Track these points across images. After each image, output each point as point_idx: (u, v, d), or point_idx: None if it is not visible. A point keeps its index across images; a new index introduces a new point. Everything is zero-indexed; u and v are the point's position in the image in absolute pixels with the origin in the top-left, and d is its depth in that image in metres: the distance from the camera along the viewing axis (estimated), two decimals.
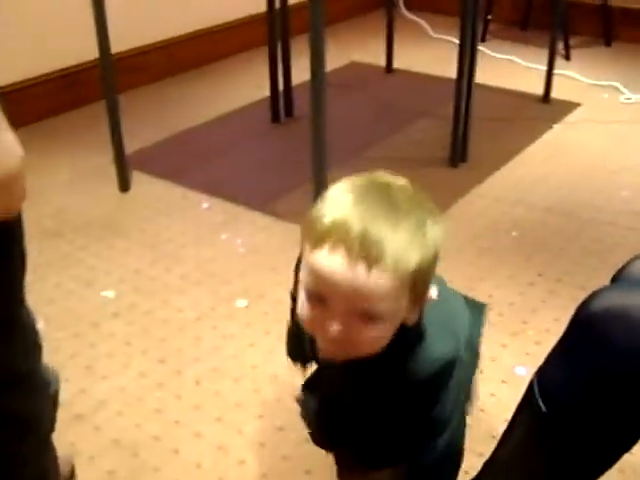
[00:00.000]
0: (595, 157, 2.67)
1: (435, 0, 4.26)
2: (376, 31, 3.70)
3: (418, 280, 0.93)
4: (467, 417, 1.24)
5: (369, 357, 0.98)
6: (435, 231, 0.93)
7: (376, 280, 0.89)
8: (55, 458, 1.12)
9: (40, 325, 1.03)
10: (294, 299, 1.31)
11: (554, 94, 3.11)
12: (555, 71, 3.09)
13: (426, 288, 0.97)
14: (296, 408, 1.26)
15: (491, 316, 1.82)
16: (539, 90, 3.12)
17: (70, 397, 1.58)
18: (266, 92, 2.98)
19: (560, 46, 3.42)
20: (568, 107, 3.08)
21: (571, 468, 0.99)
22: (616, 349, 0.88)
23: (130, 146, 2.56)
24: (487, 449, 1.20)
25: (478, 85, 2.60)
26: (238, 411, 1.58)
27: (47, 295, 1.93)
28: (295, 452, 1.48)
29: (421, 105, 3.15)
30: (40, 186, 2.41)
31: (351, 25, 4.21)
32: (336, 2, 3.74)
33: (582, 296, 1.00)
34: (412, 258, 0.90)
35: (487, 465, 1.19)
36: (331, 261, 0.90)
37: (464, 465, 1.40)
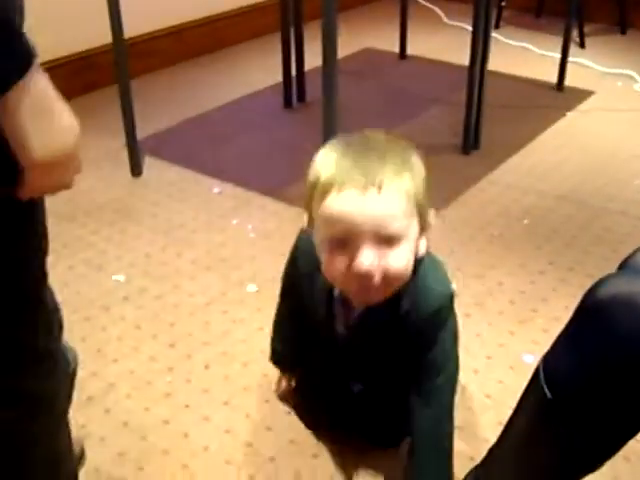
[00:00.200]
0: (608, 145, 2.66)
1: None
2: (390, 17, 3.69)
3: (419, 200, 1.05)
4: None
5: (385, 301, 1.11)
6: (416, 159, 1.08)
7: (386, 202, 1.01)
8: (70, 439, 1.13)
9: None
10: (282, 296, 1.41)
11: (568, 82, 3.10)
12: (569, 59, 3.07)
13: (426, 211, 1.09)
14: None
15: (501, 303, 1.84)
16: (553, 78, 3.10)
17: (81, 380, 1.59)
18: (279, 77, 2.98)
19: (574, 34, 3.41)
20: (582, 95, 3.06)
21: (576, 454, 0.99)
22: (622, 336, 0.88)
23: (142, 131, 2.56)
24: (493, 435, 1.20)
25: (492, 72, 2.59)
26: (246, 395, 1.59)
27: (59, 278, 1.94)
28: (302, 436, 1.48)
29: (434, 92, 3.14)
30: None
31: (365, 11, 4.20)
32: None
33: None
34: (407, 179, 1.03)
35: (492, 451, 1.19)
36: (343, 200, 1.01)
37: (470, 451, 1.41)
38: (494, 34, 2.98)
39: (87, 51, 3.05)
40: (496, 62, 2.69)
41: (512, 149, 2.62)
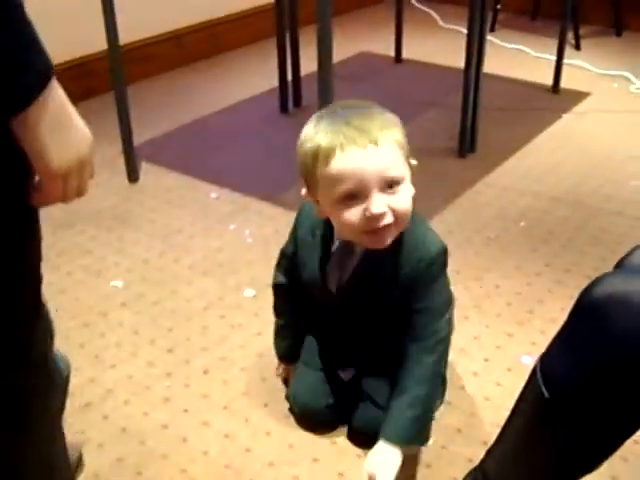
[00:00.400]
0: (604, 147, 2.66)
1: None
2: (385, 21, 3.70)
3: (405, 149, 1.22)
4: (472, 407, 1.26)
5: (385, 249, 1.24)
6: (388, 112, 1.25)
7: (385, 152, 1.17)
8: (65, 447, 1.12)
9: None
10: (276, 288, 1.54)
11: (563, 84, 3.10)
12: (565, 61, 3.08)
13: (409, 157, 1.24)
14: None
15: (498, 306, 1.84)
16: (548, 80, 3.11)
17: (79, 386, 1.60)
18: (275, 82, 2.99)
19: (570, 36, 3.41)
20: (578, 97, 3.07)
21: (574, 454, 0.99)
22: (618, 334, 0.88)
23: (139, 137, 2.57)
24: (491, 437, 1.20)
25: (487, 75, 2.59)
26: (245, 399, 1.59)
27: (57, 285, 1.95)
28: (301, 440, 1.49)
29: (430, 95, 3.14)
30: None
31: (360, 15, 4.21)
32: None
33: None
34: (396, 132, 1.21)
35: (490, 452, 1.19)
36: (348, 158, 1.17)
37: (469, 453, 1.41)
38: (489, 37, 2.98)
39: (83, 57, 3.05)
40: (492, 65, 2.69)
41: (508, 151, 2.63)
